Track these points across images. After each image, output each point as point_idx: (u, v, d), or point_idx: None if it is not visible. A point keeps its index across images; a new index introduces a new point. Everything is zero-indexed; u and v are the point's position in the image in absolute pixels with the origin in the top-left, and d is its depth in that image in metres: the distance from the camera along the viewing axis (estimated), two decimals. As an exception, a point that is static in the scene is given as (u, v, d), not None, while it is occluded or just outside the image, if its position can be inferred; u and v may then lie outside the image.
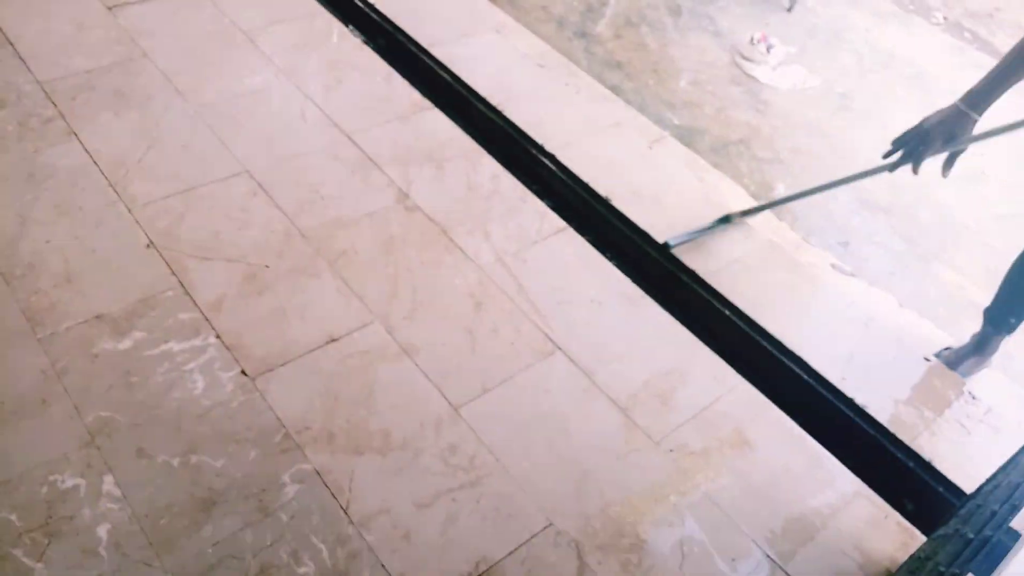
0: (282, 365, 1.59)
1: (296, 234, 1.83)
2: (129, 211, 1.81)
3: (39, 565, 1.27)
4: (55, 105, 2.02)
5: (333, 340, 1.66)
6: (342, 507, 1.41)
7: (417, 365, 1.64)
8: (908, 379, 1.86)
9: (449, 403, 1.60)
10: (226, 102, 2.12)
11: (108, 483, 1.38)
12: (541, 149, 2.17)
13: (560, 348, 1.73)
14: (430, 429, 1.55)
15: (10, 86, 2.04)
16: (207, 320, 1.63)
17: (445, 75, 2.34)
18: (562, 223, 2.00)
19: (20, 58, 2.12)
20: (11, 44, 2.16)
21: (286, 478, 1.43)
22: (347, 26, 2.45)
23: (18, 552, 1.28)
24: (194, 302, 1.66)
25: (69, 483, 1.37)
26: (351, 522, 1.40)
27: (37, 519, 1.32)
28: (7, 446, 1.39)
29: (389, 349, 1.66)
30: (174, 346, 1.58)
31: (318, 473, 1.45)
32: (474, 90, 2.30)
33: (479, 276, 1.83)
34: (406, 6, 2.55)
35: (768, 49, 2.99)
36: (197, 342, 1.59)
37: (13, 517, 1.31)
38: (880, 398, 1.78)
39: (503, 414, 1.60)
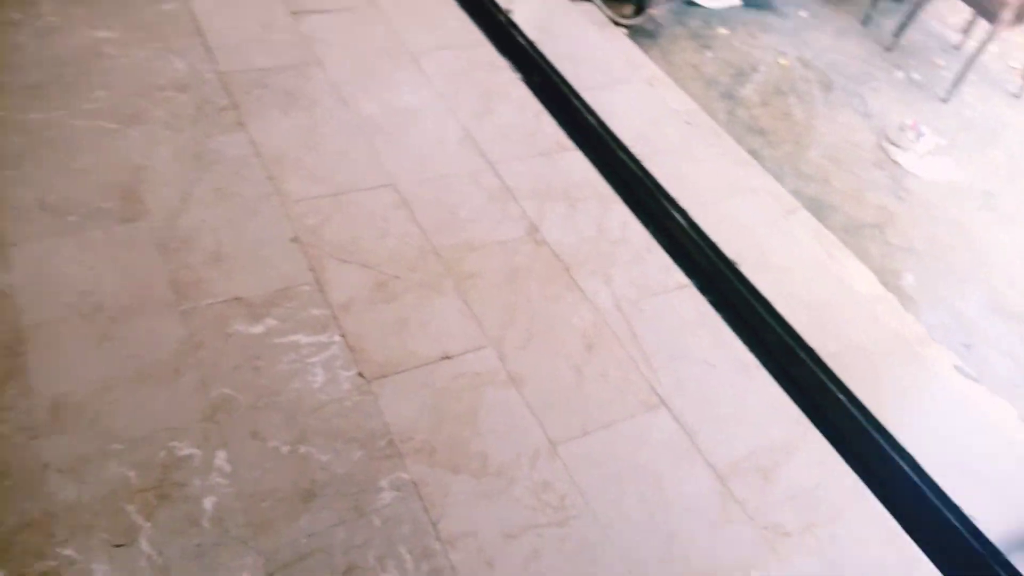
0: (397, 373, 1.59)
1: (429, 251, 1.84)
2: (281, 205, 1.85)
3: (147, 524, 1.30)
4: (230, 96, 2.10)
5: (447, 358, 1.64)
6: (432, 522, 1.39)
7: (522, 395, 1.61)
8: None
9: (548, 438, 1.55)
10: (384, 116, 2.16)
11: (220, 458, 1.40)
12: (674, 203, 2.11)
13: (665, 404, 1.66)
14: (526, 461, 1.51)
15: (195, 73, 2.14)
16: (335, 319, 1.65)
17: (592, 119, 2.32)
18: (685, 279, 1.93)
19: (207, 48, 2.23)
20: (202, 35, 2.27)
21: (384, 483, 1.42)
22: (506, 60, 2.47)
23: (131, 508, 1.31)
24: (326, 300, 1.68)
25: (185, 452, 1.40)
26: (438, 538, 1.37)
27: (152, 480, 1.35)
28: (137, 406, 1.44)
29: (498, 375, 1.64)
30: (301, 338, 1.60)
31: (415, 484, 1.43)
32: (617, 137, 2.27)
33: (595, 318, 1.79)
34: (564, 48, 2.55)
35: (918, 137, 2.85)
36: (323, 338, 1.61)
37: (132, 474, 1.35)
38: (989, 511, 1.63)
39: (600, 459, 1.55)
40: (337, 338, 1.62)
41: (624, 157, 2.22)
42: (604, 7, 2.92)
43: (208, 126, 2.01)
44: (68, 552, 1.24)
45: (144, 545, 1.27)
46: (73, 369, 1.47)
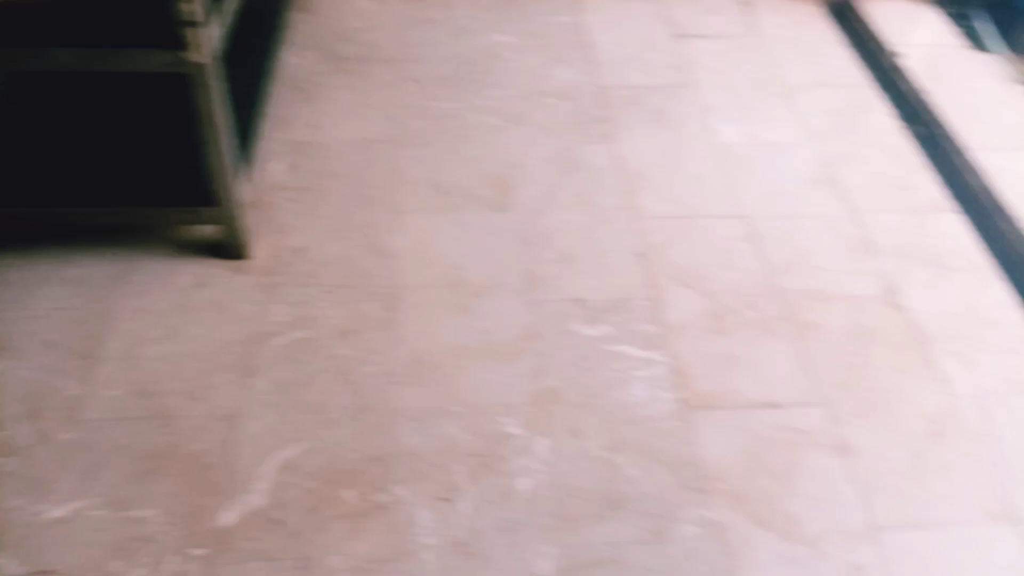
0: (717, 408, 1.53)
1: (771, 291, 1.74)
2: (633, 219, 1.87)
3: (469, 487, 1.38)
4: (605, 108, 2.17)
5: (772, 406, 1.54)
6: (730, 571, 1.31)
7: (849, 467, 1.46)
8: None
9: (870, 521, 1.39)
10: (747, 146, 2.09)
11: (541, 446, 1.44)
12: (1068, 294, 1.79)
13: (1018, 521, 1.41)
14: (840, 538, 1.37)
15: (577, 83, 2.24)
16: (665, 339, 1.63)
17: (978, 182, 2.04)
18: (1068, 384, 1.63)
19: (592, 61, 2.32)
20: (589, 48, 2.37)
21: (687, 516, 1.37)
22: (887, 105, 2.27)
23: (457, 468, 1.40)
24: (660, 318, 1.67)
25: (511, 430, 1.47)
26: (731, 589, 1.30)
27: (479, 448, 1.44)
28: (479, 377, 1.53)
29: (825, 438, 1.50)
30: (630, 350, 1.61)
31: (719, 527, 1.36)
32: (1007, 207, 1.97)
33: (948, 404, 1.57)
34: (957, 100, 2.28)
35: None
36: (651, 355, 1.60)
37: (464, 438, 1.44)
38: None
39: (924, 559, 1.35)
40: (664, 358, 1.60)
41: (1012, 230, 1.92)
42: (1016, 60, 2.56)
43: (580, 135, 2.09)
44: (401, 492, 1.36)
45: (462, 505, 1.35)
46: (434, 331, 1.61)
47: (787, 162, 2.06)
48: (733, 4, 2.62)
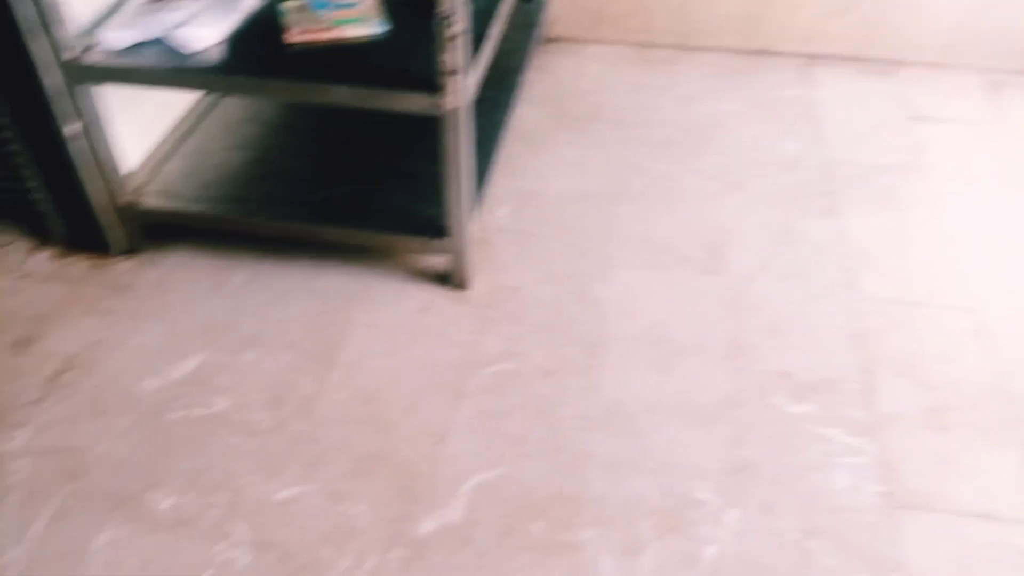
0: (926, 511, 1.41)
1: (1000, 393, 1.59)
2: (850, 299, 1.79)
3: (653, 545, 1.36)
4: (830, 184, 2.10)
5: (991, 518, 1.40)
6: None
7: (1080, 602, 1.29)
8: None
9: (1103, 669, 1.22)
10: (981, 237, 1.94)
11: (731, 516, 1.40)
12: None
13: None
14: None
15: (802, 156, 2.20)
16: (875, 429, 1.53)
17: None
18: None
19: (819, 136, 2.27)
20: (817, 123, 2.32)
21: (882, 619, 1.28)
22: None
23: (644, 525, 1.39)
24: (871, 406, 1.57)
25: (701, 495, 1.44)
26: None
27: (667, 508, 1.42)
28: (673, 437, 1.52)
29: (1053, 565, 1.34)
30: (836, 434, 1.53)
31: (918, 638, 1.25)
32: None
33: None
34: None
35: None
36: (858, 442, 1.51)
37: (652, 495, 1.43)
38: None
39: None
40: (871, 448, 1.50)
41: None
42: None
43: (801, 207, 2.04)
44: (586, 535, 1.37)
45: (646, 561, 1.34)
46: (632, 384, 1.62)
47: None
48: (978, 88, 2.46)
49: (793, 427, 1.54)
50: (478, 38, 1.67)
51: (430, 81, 1.52)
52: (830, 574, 1.32)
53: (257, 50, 1.66)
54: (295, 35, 1.67)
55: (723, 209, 2.03)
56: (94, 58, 1.62)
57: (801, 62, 2.58)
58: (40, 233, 1.95)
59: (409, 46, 1.65)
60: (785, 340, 1.71)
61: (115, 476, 1.46)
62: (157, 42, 1.66)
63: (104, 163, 1.77)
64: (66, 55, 1.59)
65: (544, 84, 2.51)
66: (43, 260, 1.89)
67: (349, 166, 1.97)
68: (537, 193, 2.09)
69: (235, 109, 2.16)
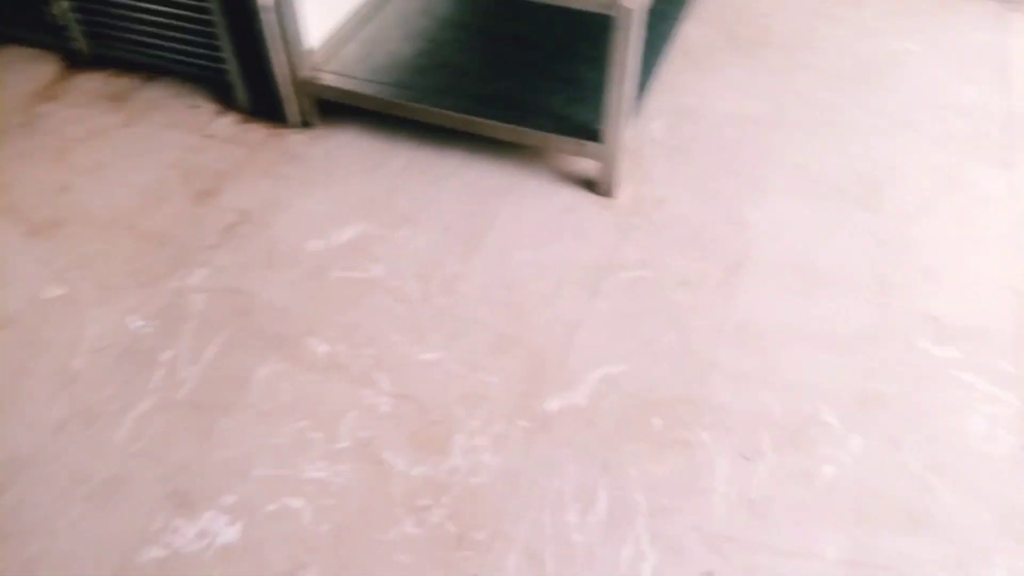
0: (1068, 470, 1.36)
1: None
2: (1018, 254, 1.70)
3: (771, 455, 1.38)
4: (1008, 135, 1.97)
5: None
6: (1037, 635, 1.18)
7: None
8: None
9: None
10: None
11: (855, 443, 1.40)
12: None
13: None
14: None
15: (983, 103, 2.05)
16: (1023, 383, 1.47)
17: None
18: None
19: (1005, 84, 2.11)
20: (1005, 71, 2.15)
21: (1001, 562, 1.25)
22: None
23: (764, 435, 1.41)
24: (1022, 360, 1.51)
25: (827, 419, 1.44)
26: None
27: (790, 424, 1.43)
28: (804, 360, 1.52)
29: None
30: (978, 382, 1.48)
31: (1036, 587, 1.23)
32: None
33: None
34: None
35: None
36: (1001, 393, 1.46)
37: (777, 410, 1.44)
38: None
39: None
40: (1017, 401, 1.45)
41: None
42: None
43: (975, 155, 1.92)
44: (705, 436, 1.41)
45: (761, 468, 1.37)
46: (768, 305, 1.62)
47: None
48: None
49: (934, 369, 1.50)
50: (661, -60, 1.65)
51: (609, -22, 1.53)
52: (948, 510, 1.30)
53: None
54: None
55: (889, 147, 1.95)
56: (295, -67, 1.72)
57: (1001, 7, 2.39)
58: (226, 100, 2.11)
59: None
60: (938, 284, 1.64)
61: (278, 320, 1.61)
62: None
63: (290, 38, 1.89)
64: (271, -72, 1.70)
65: (716, 2, 2.44)
66: (226, 124, 2.06)
67: (513, 65, 2.01)
68: (695, 111, 2.07)
69: (413, 1, 2.24)
